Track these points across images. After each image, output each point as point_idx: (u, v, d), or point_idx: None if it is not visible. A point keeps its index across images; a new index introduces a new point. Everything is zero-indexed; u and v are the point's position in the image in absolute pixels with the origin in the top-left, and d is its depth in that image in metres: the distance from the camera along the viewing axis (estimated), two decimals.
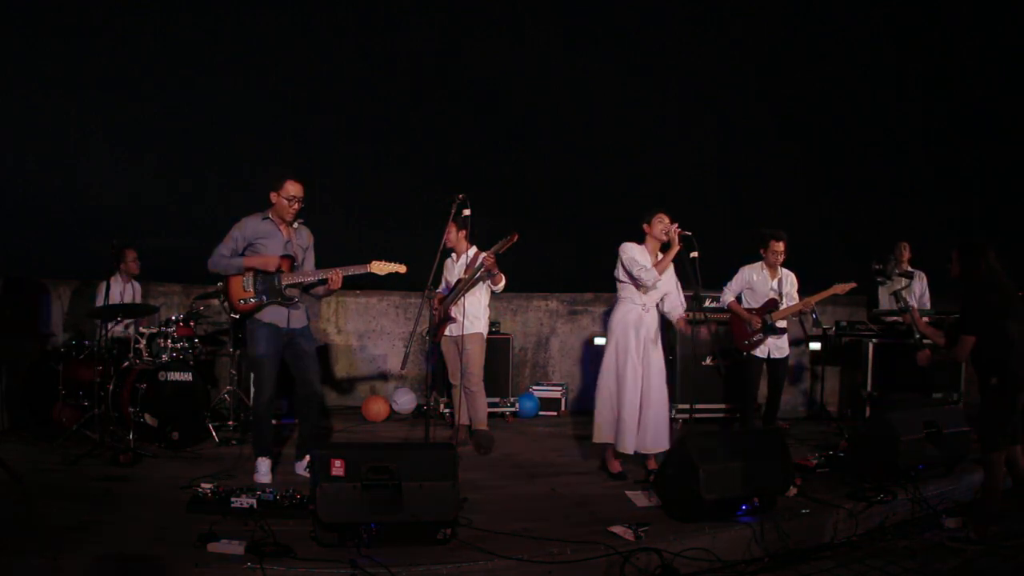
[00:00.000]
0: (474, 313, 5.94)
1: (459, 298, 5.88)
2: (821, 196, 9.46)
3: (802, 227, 7.87)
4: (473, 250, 6.04)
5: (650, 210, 5.29)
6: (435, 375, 6.90)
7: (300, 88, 8.88)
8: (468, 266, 5.95)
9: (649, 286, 5.17)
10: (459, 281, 5.92)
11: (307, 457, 4.83)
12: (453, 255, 6.13)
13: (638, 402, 5.16)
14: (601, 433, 5.27)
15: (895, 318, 7.54)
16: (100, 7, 8.16)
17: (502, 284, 5.85)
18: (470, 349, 5.90)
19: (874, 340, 7.29)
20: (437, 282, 6.20)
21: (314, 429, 5.17)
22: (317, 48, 8.88)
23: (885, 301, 7.80)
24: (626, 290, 5.28)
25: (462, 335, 5.87)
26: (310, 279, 4.92)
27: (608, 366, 5.26)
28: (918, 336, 4.78)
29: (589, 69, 9.37)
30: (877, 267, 5.46)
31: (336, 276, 4.86)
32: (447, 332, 6.04)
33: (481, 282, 5.93)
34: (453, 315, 5.91)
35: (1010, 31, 9.52)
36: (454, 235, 5.94)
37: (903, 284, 5.73)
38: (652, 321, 5.29)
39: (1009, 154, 9.39)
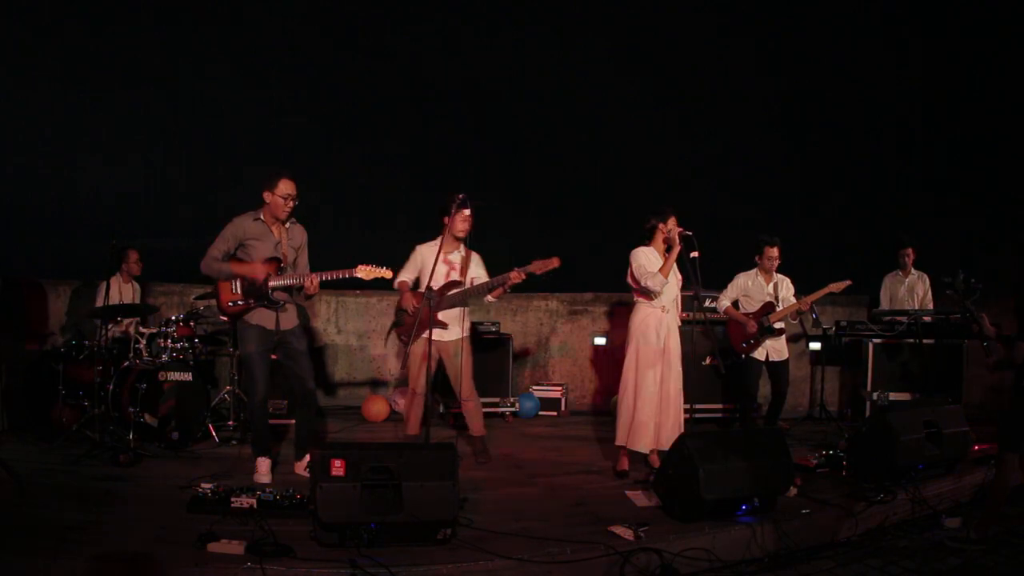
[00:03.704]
0: (459, 315, 5.46)
1: (459, 305, 5.42)
2: (821, 197, 9.46)
3: (802, 228, 7.88)
4: (463, 249, 5.52)
5: (665, 211, 5.31)
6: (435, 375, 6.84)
7: (300, 88, 8.88)
8: (462, 267, 5.45)
9: (658, 292, 5.22)
10: (453, 283, 5.41)
11: (307, 457, 4.83)
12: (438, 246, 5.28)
13: (657, 403, 5.21)
14: (620, 435, 5.30)
15: (895, 317, 7.55)
16: (100, 7, 8.16)
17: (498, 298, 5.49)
18: (463, 357, 5.45)
19: (874, 340, 7.30)
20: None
21: (312, 428, 5.17)
22: (317, 48, 8.89)
23: (886, 301, 7.81)
24: (642, 294, 5.31)
25: (451, 340, 5.43)
26: (296, 282, 4.84)
27: (629, 369, 5.26)
28: (984, 343, 4.79)
29: (589, 69, 9.38)
30: (947, 280, 5.51)
31: (311, 280, 4.74)
32: (432, 336, 5.20)
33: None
34: (441, 319, 5.37)
35: (1010, 31, 9.53)
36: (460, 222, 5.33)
37: (974, 295, 5.79)
38: (672, 322, 5.35)
39: (1010, 155, 9.40)
